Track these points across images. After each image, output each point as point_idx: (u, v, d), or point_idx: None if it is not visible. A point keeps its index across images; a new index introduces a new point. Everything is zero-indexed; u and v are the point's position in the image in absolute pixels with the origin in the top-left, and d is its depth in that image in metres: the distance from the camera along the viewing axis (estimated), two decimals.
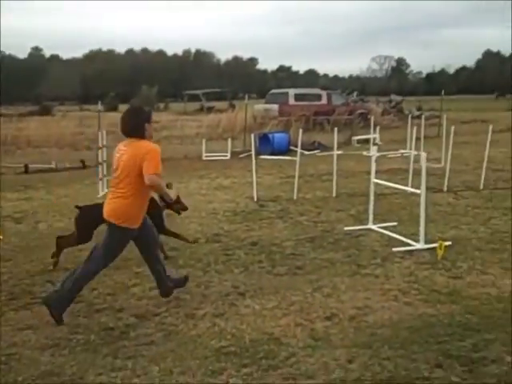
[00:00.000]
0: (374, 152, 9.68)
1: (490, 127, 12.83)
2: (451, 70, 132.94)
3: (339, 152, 18.73)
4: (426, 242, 7.93)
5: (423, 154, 8.18)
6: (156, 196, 6.71)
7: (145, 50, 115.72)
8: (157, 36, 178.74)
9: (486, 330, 5.21)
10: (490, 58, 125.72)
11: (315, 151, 20.29)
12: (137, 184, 5.52)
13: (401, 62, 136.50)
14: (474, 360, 4.64)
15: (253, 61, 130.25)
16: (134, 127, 5.64)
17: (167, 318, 5.71)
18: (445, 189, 12.19)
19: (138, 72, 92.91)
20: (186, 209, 7.94)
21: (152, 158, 5.45)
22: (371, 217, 9.19)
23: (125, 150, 5.61)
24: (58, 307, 5.56)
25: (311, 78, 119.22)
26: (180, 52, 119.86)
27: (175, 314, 5.81)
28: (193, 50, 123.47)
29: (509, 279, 6.61)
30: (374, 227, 9.01)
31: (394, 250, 7.82)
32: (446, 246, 7.55)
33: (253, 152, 12.18)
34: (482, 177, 12.52)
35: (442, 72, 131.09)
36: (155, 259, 6.02)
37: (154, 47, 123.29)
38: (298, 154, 12.40)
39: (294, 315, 5.69)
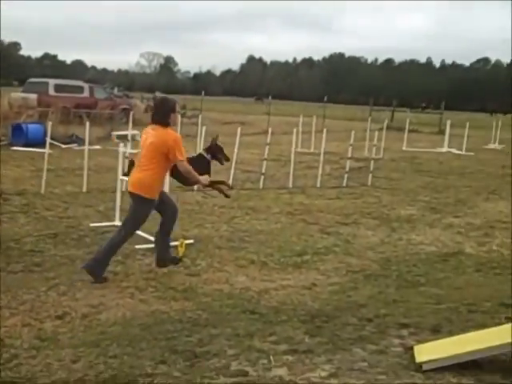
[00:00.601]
0: (123, 148, 9.65)
1: (239, 130, 13.48)
2: (217, 72, 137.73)
3: (97, 147, 18.56)
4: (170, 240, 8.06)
5: None
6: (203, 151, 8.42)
7: None
8: None
9: (213, 325, 5.43)
10: (253, 63, 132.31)
11: (73, 145, 19.77)
12: (160, 162, 6.55)
13: (169, 60, 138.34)
14: (197, 354, 4.80)
15: (16, 45, 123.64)
16: (161, 115, 6.59)
17: None
18: (195, 188, 12.53)
19: None
20: (228, 159, 8.86)
21: (178, 147, 6.51)
22: (118, 213, 9.15)
23: (151, 134, 6.61)
24: (96, 270, 6.48)
25: (79, 68, 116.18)
26: None
27: None
28: None
29: (242, 276, 6.98)
30: (120, 224, 8.97)
31: (137, 247, 7.87)
32: (187, 244, 7.77)
33: None
34: (231, 177, 13.09)
35: (209, 73, 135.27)
36: (164, 230, 7.10)
37: None
38: (47, 145, 12.02)
39: (22, 315, 5.47)
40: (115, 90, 41.04)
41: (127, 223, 6.82)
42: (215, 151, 8.57)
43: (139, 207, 6.67)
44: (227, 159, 8.89)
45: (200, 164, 7.82)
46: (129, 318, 5.55)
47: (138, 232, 8.48)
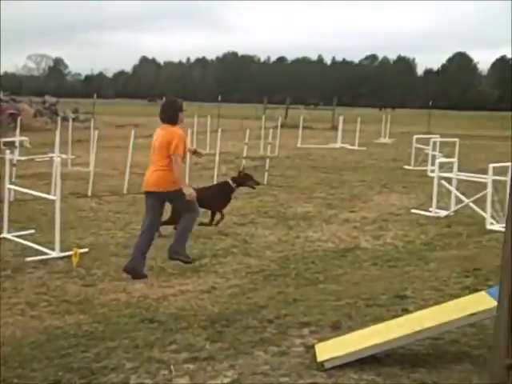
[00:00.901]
0: (10, 155, 9.22)
1: (133, 132, 13.21)
2: (110, 74, 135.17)
3: None
4: (63, 250, 7.75)
5: (57, 160, 8.05)
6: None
7: None
8: None
9: (110, 337, 5.23)
10: (146, 64, 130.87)
11: None
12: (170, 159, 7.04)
13: (59, 63, 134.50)
14: (94, 371, 4.60)
15: None
16: (170, 115, 7.20)
17: None
18: (89, 194, 12.19)
19: None
20: (258, 183, 9.79)
21: (175, 142, 7.01)
22: (6, 225, 8.71)
23: (161, 134, 7.18)
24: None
25: None
26: None
27: None
28: None
29: (139, 283, 6.80)
30: (8, 236, 8.56)
31: (28, 259, 7.52)
32: (81, 253, 7.49)
33: None
34: (126, 181, 12.81)
35: (101, 75, 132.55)
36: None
37: None
38: None
39: None
40: (1, 94, 39.32)
41: (188, 215, 7.28)
42: (244, 180, 9.49)
43: (181, 200, 7.11)
44: (257, 183, 9.82)
45: (223, 191, 9.15)
46: (19, 336, 5.26)
47: (29, 243, 8.17)
